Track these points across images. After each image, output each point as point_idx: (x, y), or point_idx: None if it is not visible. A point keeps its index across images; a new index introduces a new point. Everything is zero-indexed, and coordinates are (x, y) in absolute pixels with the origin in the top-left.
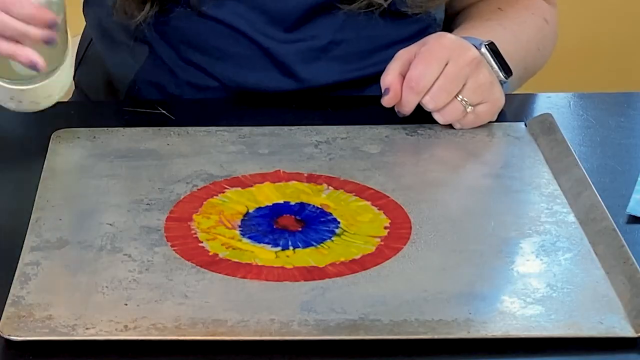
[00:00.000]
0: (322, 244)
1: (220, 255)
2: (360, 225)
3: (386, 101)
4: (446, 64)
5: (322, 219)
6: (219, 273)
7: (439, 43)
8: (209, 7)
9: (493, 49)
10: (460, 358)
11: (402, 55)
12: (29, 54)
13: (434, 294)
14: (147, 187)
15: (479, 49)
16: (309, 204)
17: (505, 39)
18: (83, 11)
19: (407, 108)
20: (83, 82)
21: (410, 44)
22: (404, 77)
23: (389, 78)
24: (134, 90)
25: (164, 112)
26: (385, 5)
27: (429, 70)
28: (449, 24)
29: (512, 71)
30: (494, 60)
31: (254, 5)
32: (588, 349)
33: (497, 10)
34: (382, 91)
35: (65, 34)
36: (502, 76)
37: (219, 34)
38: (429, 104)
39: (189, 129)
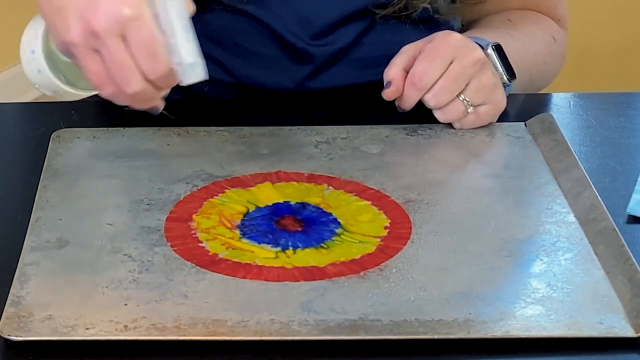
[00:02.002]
0: (322, 244)
1: (220, 255)
2: (360, 225)
3: (387, 94)
4: (451, 63)
5: (322, 219)
6: (219, 273)
7: (445, 41)
8: (241, 2)
9: (499, 50)
10: (460, 358)
11: (408, 50)
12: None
13: (434, 294)
14: (147, 187)
15: (485, 49)
16: (309, 204)
17: (512, 47)
18: None
19: (408, 104)
20: None
21: None
22: (407, 72)
23: (393, 72)
24: None
25: (164, 112)
26: (421, 9)
27: (433, 68)
28: None
29: (517, 77)
30: (499, 62)
31: (289, 5)
32: (588, 349)
33: (506, 21)
34: (384, 84)
35: None
36: (506, 79)
37: (244, 30)
38: (430, 102)
39: (189, 129)
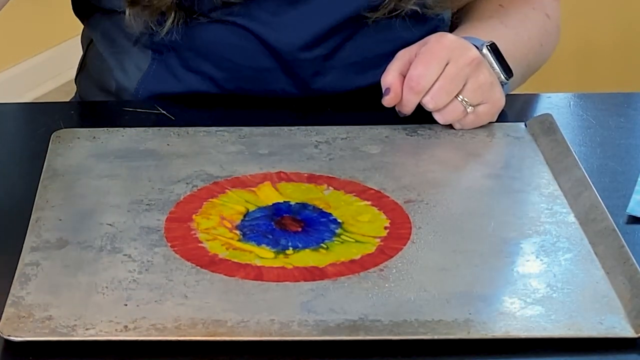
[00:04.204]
0: (322, 244)
1: (220, 256)
2: (360, 225)
3: (387, 101)
4: (447, 64)
5: (322, 219)
6: (219, 273)
7: (440, 43)
8: (228, 15)
9: (494, 49)
10: (460, 358)
11: (403, 55)
12: None
13: (434, 294)
14: (147, 188)
15: (480, 49)
16: (309, 204)
17: (507, 38)
18: (75, 14)
19: (408, 108)
20: (83, 89)
21: None
22: (404, 77)
23: (390, 78)
24: (137, 98)
25: (164, 112)
26: (408, 8)
27: (429, 70)
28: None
29: (514, 70)
30: (495, 61)
31: (278, 16)
32: (588, 349)
33: (498, 8)
34: (383, 91)
35: None
36: (503, 77)
37: (233, 43)
38: (429, 104)
39: (189, 129)
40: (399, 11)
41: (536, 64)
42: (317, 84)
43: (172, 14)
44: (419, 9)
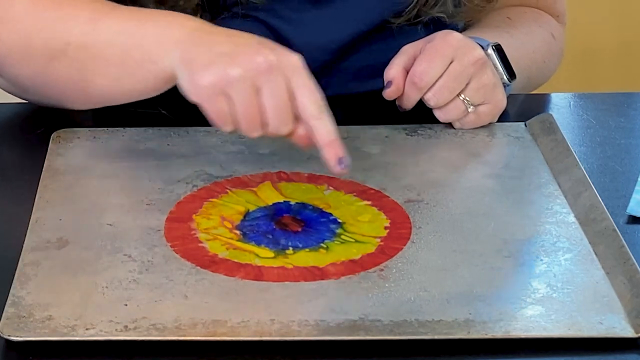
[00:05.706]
0: (322, 244)
1: (220, 256)
2: (360, 225)
3: (388, 94)
4: (451, 62)
5: (322, 219)
6: (219, 273)
7: (445, 40)
8: (252, 10)
9: (499, 50)
10: (460, 358)
11: (408, 50)
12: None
13: (434, 294)
14: (147, 187)
15: (485, 49)
16: (309, 204)
17: (511, 46)
18: None
19: (409, 103)
20: None
21: None
22: (408, 72)
23: (393, 71)
24: None
25: (164, 112)
26: (434, 15)
27: (433, 67)
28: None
29: (516, 76)
30: (499, 62)
31: (303, 15)
32: (588, 349)
33: (505, 19)
34: (385, 83)
35: None
36: (506, 79)
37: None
38: (430, 101)
39: (189, 129)
40: (421, 18)
41: (537, 79)
42: (338, 87)
43: (199, 15)
44: (444, 15)
